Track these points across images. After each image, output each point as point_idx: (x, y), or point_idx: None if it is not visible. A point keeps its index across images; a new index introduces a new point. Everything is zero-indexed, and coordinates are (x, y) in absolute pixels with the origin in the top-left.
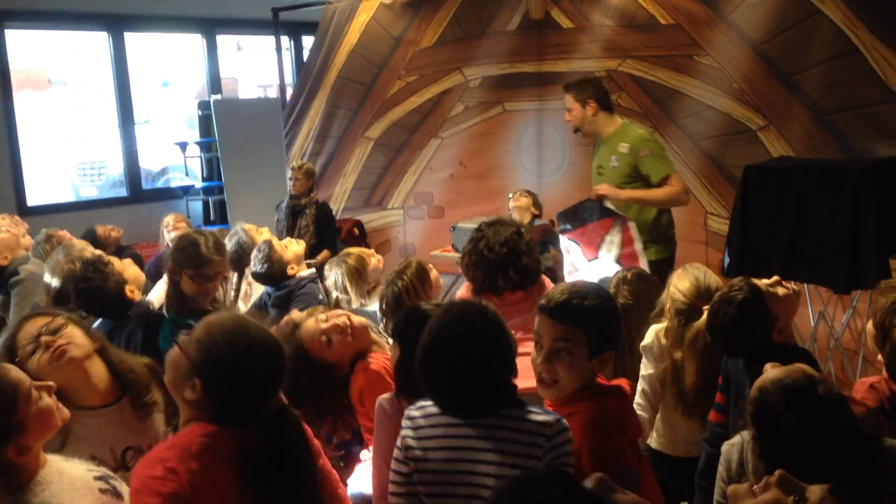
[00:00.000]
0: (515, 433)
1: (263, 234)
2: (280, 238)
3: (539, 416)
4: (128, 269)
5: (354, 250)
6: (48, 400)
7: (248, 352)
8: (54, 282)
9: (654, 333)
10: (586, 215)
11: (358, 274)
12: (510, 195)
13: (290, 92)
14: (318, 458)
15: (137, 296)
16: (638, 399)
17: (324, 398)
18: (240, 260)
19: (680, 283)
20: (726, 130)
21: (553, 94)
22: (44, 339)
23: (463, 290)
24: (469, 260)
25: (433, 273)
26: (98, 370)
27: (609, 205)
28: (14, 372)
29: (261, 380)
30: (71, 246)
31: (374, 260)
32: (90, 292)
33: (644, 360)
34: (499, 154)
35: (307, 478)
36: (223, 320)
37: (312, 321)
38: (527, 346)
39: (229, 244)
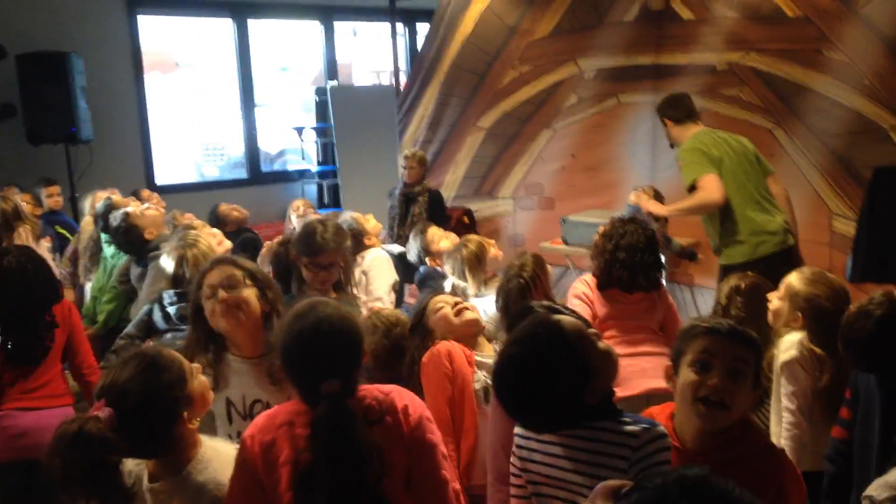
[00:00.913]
0: (602, 444)
1: (370, 222)
2: (392, 225)
3: (629, 427)
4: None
5: (474, 237)
6: (202, 378)
7: (303, 337)
8: (168, 266)
9: (797, 344)
10: None
11: (477, 261)
12: (635, 188)
13: (403, 79)
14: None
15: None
16: (790, 420)
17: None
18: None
19: (814, 288)
20: (855, 128)
21: (670, 86)
22: (221, 292)
23: (582, 284)
24: (605, 256)
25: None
26: (256, 328)
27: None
28: (175, 353)
29: (314, 363)
30: (186, 231)
31: (493, 249)
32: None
33: (786, 376)
34: (612, 147)
35: (354, 469)
36: (299, 305)
37: (449, 310)
38: (632, 348)
39: None
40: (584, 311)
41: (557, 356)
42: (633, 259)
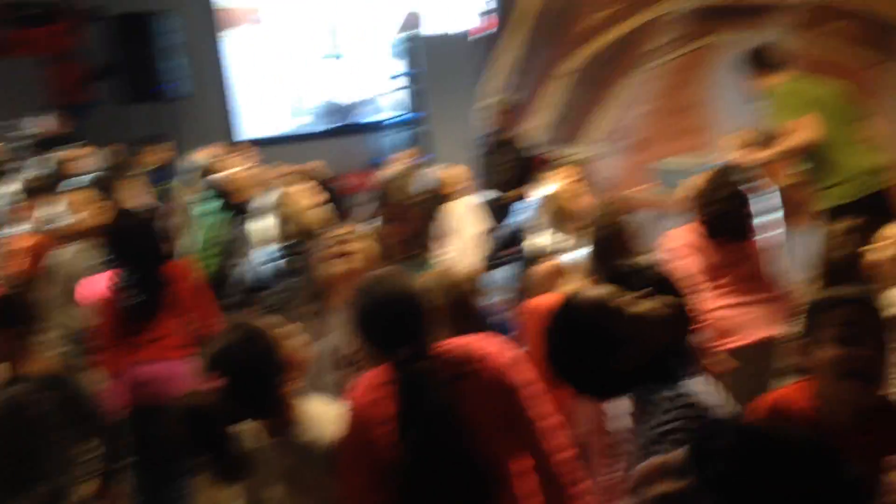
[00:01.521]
0: (640, 413)
1: (452, 173)
2: (481, 173)
3: (662, 394)
4: None
5: (564, 187)
6: (296, 340)
7: (366, 313)
8: (268, 223)
9: None
10: None
11: (566, 213)
12: (731, 135)
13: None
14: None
15: None
16: None
17: None
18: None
19: None
20: None
21: (765, 25)
22: (334, 246)
23: (684, 233)
24: (716, 204)
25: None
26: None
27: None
28: (266, 322)
29: (380, 337)
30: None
31: (581, 198)
32: None
33: None
34: (701, 90)
35: (437, 428)
36: (365, 280)
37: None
38: (746, 297)
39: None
40: (689, 262)
41: (572, 334)
42: (744, 206)
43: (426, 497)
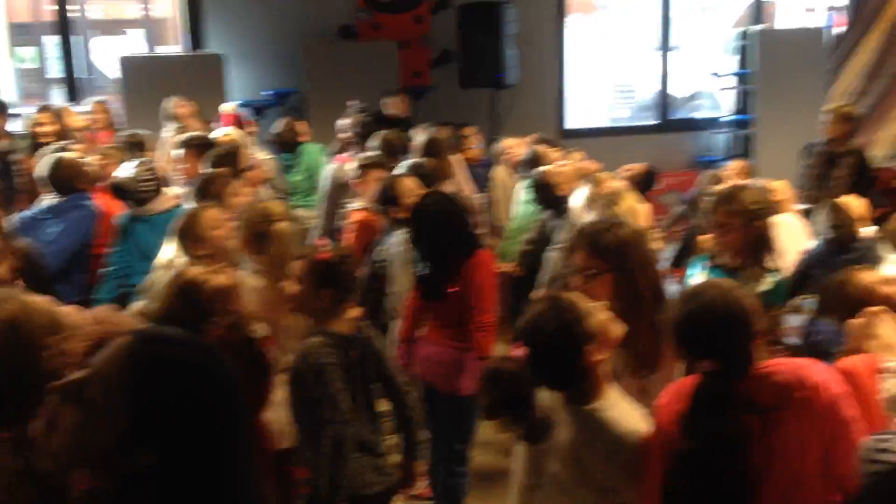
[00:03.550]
0: None
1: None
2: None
3: None
4: None
5: None
6: (603, 315)
7: (682, 317)
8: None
9: None
10: None
11: None
12: None
13: (837, 21)
14: None
15: None
16: None
17: None
18: None
19: None
20: None
21: None
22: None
23: None
24: None
25: None
26: None
27: None
28: (575, 296)
29: (688, 343)
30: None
31: None
32: None
33: None
34: None
35: (719, 453)
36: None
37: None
38: None
39: None
40: None
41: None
42: None
43: None
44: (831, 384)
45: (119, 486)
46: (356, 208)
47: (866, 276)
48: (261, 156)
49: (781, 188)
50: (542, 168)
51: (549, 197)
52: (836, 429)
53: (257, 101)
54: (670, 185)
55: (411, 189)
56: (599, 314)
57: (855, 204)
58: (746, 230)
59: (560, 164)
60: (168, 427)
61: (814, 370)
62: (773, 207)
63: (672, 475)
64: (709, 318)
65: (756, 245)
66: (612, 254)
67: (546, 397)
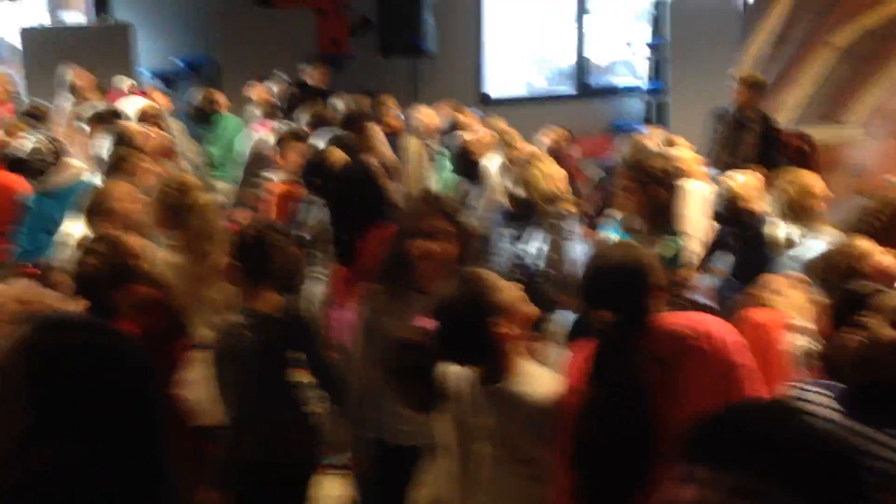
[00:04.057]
0: None
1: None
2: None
3: None
4: None
5: (799, 174)
6: (515, 291)
7: (600, 263)
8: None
9: None
10: None
11: (801, 207)
12: None
13: None
14: None
15: None
16: None
17: None
18: None
19: None
20: None
21: None
22: None
23: None
24: None
25: None
26: None
27: None
28: (486, 270)
29: (587, 292)
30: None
31: (818, 187)
32: None
33: None
34: None
35: (621, 404)
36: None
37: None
38: None
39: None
40: None
41: None
42: None
43: (593, 465)
44: (724, 333)
45: (28, 482)
46: (276, 180)
47: (859, 246)
48: (174, 127)
49: (691, 155)
50: (459, 134)
51: (467, 164)
52: (729, 373)
53: (168, 71)
54: (587, 150)
55: (340, 160)
56: (511, 290)
57: (751, 183)
58: (650, 194)
59: (480, 130)
60: (77, 416)
61: (707, 321)
62: (678, 173)
63: (580, 426)
64: (608, 272)
65: (659, 209)
66: None
67: (463, 380)
